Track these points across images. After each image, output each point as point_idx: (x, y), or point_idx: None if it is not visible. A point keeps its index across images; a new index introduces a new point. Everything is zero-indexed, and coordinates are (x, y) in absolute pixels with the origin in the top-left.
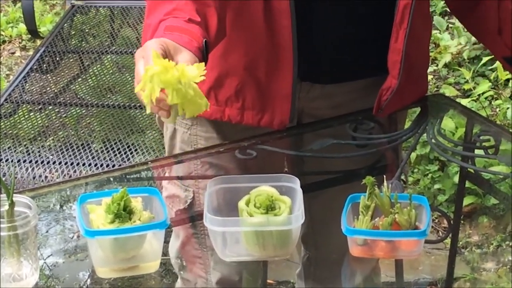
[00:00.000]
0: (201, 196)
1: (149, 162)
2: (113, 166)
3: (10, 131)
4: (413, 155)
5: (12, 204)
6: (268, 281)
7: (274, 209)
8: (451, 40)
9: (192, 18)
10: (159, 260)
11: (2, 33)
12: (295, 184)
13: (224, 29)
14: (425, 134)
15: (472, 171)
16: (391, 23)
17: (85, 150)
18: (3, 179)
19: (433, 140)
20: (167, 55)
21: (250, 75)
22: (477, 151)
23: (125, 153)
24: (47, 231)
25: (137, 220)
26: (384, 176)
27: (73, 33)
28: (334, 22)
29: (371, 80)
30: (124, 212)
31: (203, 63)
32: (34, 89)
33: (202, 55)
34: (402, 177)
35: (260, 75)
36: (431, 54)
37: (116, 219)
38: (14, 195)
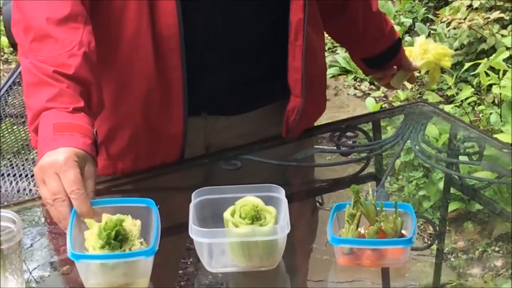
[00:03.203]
0: None
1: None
2: None
3: None
4: (397, 162)
5: None
6: None
7: (259, 220)
8: None
9: (76, 106)
10: (148, 276)
11: None
12: (280, 194)
13: (103, 101)
14: (409, 141)
15: (456, 177)
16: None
17: None
18: None
19: (417, 147)
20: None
21: (144, 122)
22: (461, 157)
23: None
24: (31, 245)
25: (127, 249)
26: (370, 184)
27: None
28: (226, 56)
29: (276, 104)
30: (114, 241)
31: None
32: (17, 102)
33: (96, 146)
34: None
35: (153, 120)
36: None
37: (106, 246)
38: None
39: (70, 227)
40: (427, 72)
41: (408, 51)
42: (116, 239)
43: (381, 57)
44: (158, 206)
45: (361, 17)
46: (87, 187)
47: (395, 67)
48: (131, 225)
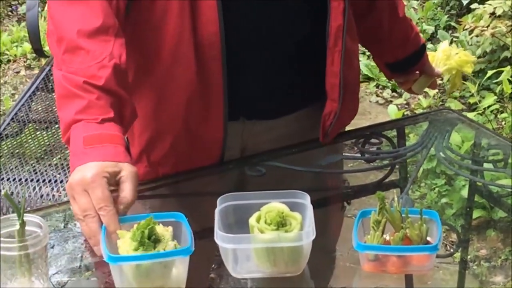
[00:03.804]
0: None
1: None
2: None
3: (17, 150)
4: (420, 170)
5: (23, 224)
6: None
7: (285, 226)
8: None
9: (105, 117)
10: (184, 285)
11: (7, 52)
12: (306, 200)
13: (135, 112)
14: (433, 148)
15: (481, 184)
16: (323, 47)
17: None
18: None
19: (442, 154)
20: (111, 179)
21: (184, 128)
22: (485, 165)
23: None
24: (52, 247)
25: (161, 250)
26: (395, 191)
27: None
28: (266, 61)
29: (311, 108)
30: (148, 241)
31: None
32: (40, 108)
33: (129, 151)
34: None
35: (194, 126)
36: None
37: (140, 247)
38: (24, 214)
39: (102, 236)
40: (449, 80)
41: (431, 56)
42: (150, 238)
43: (405, 62)
44: (188, 219)
45: (387, 21)
46: (124, 191)
47: (417, 72)
48: (163, 230)
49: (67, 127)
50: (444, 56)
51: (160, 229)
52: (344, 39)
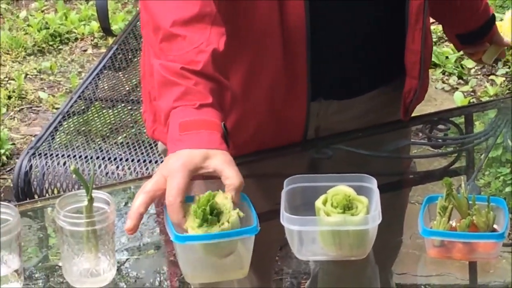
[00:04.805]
0: None
1: None
2: None
3: (83, 128)
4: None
5: (91, 200)
6: None
7: (351, 209)
8: None
9: (203, 103)
10: (248, 265)
11: (75, 30)
12: (372, 184)
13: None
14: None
15: None
16: (400, 26)
17: (157, 147)
18: None
19: (510, 142)
20: (197, 170)
21: (269, 111)
22: None
23: None
24: (115, 225)
25: (225, 222)
26: (462, 178)
27: None
28: (346, 40)
29: (385, 87)
30: (211, 216)
31: None
32: (106, 87)
33: (225, 139)
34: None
35: (278, 107)
36: None
37: (203, 223)
38: (93, 191)
39: (166, 212)
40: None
41: (498, 26)
42: (212, 214)
43: (476, 33)
44: (253, 200)
45: None
46: (228, 178)
47: (487, 43)
48: (223, 198)
49: (166, 116)
50: (511, 25)
51: (220, 198)
52: (425, 17)
